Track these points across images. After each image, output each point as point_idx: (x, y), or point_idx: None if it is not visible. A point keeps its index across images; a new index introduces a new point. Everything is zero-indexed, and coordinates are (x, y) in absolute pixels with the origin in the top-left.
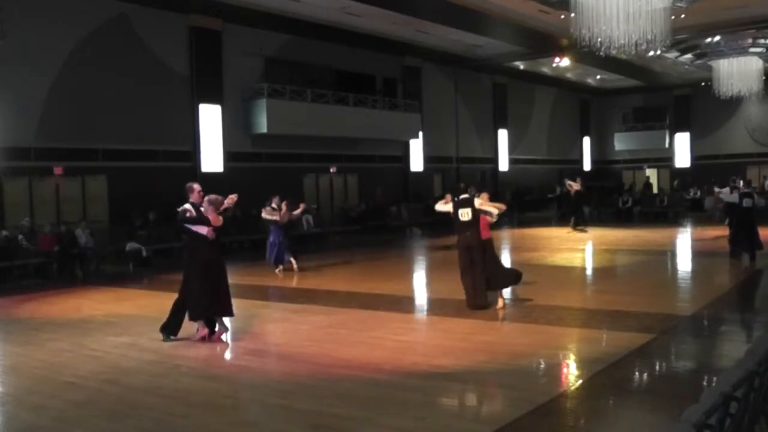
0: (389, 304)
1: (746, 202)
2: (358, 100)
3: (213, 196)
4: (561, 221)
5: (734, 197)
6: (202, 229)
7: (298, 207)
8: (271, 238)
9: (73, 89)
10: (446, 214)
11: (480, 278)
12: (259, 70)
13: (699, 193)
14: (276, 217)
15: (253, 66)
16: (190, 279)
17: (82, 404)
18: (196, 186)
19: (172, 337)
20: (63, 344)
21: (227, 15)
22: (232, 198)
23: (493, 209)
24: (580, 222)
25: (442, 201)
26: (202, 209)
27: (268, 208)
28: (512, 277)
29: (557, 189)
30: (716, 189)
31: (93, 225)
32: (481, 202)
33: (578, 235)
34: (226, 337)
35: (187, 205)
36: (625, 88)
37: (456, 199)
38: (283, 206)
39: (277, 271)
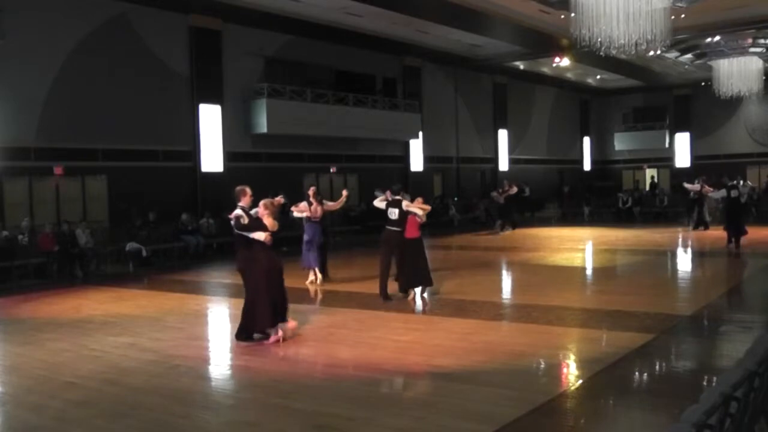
0: (389, 304)
1: (733, 193)
2: (358, 100)
3: (269, 200)
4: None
5: (722, 192)
6: (260, 236)
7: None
8: (306, 237)
9: (73, 89)
10: (382, 210)
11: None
12: (259, 70)
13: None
14: (305, 213)
15: (253, 66)
16: (253, 289)
17: (82, 404)
18: (248, 189)
19: (249, 339)
20: (63, 344)
21: (227, 15)
22: (279, 200)
23: (419, 210)
24: (508, 224)
25: (382, 197)
26: (253, 213)
27: (300, 205)
28: (425, 279)
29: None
30: (685, 185)
31: (93, 225)
32: (407, 203)
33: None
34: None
35: (239, 211)
36: (625, 88)
37: (389, 198)
38: (315, 199)
39: (311, 278)
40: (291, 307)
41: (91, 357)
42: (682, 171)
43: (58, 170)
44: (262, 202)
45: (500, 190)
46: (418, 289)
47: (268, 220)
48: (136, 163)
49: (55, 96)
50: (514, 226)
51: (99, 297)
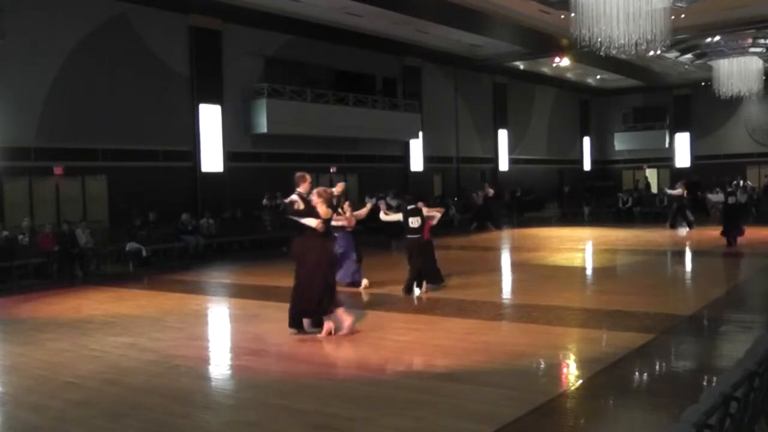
0: (389, 304)
1: (731, 200)
2: (358, 100)
3: (323, 188)
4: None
5: (721, 197)
6: (312, 222)
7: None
8: (340, 249)
9: (73, 89)
10: (395, 222)
11: (416, 271)
12: (259, 70)
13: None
14: (342, 222)
15: (253, 66)
16: (304, 277)
17: (82, 404)
18: (308, 176)
19: (300, 329)
20: (63, 344)
21: (227, 15)
22: (340, 186)
23: (438, 214)
24: (485, 225)
25: (392, 213)
26: (311, 199)
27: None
28: (438, 277)
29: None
30: (667, 191)
31: (93, 225)
32: (427, 210)
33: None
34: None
35: (295, 196)
36: (625, 88)
37: (407, 208)
38: (347, 207)
39: (364, 283)
40: None
41: (91, 357)
42: (682, 171)
43: (58, 170)
44: (315, 190)
45: (478, 193)
46: (418, 290)
47: (321, 208)
48: (136, 163)
49: (55, 96)
50: (497, 227)
51: (99, 297)
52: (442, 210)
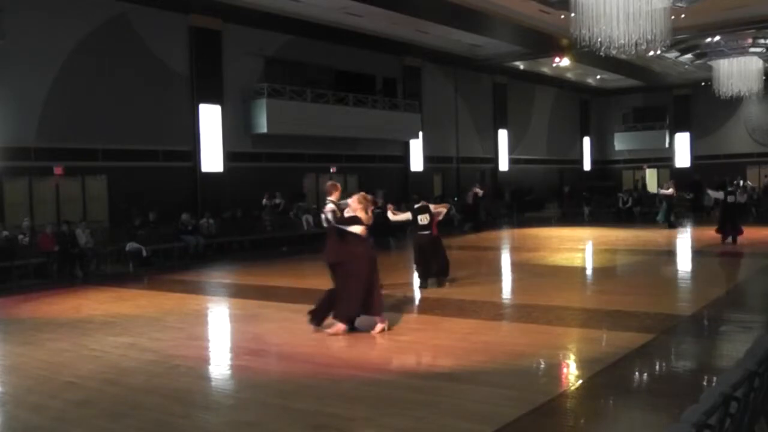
0: (389, 304)
1: (729, 198)
2: (358, 100)
3: (362, 195)
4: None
5: (720, 194)
6: (357, 229)
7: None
8: None
9: (73, 89)
10: (404, 221)
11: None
12: (259, 70)
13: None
14: (401, 218)
15: (253, 66)
16: (347, 279)
17: (82, 404)
18: (339, 185)
19: (319, 325)
20: (63, 344)
21: (227, 15)
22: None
23: (443, 210)
24: (479, 225)
25: (400, 214)
26: (347, 206)
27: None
28: (445, 270)
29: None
30: (660, 191)
31: (93, 225)
32: (434, 206)
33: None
34: (381, 329)
35: (331, 205)
36: (625, 88)
37: (415, 207)
38: (390, 207)
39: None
40: (290, 306)
41: (91, 357)
42: (682, 171)
43: (58, 170)
44: (355, 196)
45: (468, 193)
46: (418, 291)
47: (362, 214)
48: (136, 163)
49: (55, 96)
50: (476, 229)
51: (99, 297)
52: (448, 206)
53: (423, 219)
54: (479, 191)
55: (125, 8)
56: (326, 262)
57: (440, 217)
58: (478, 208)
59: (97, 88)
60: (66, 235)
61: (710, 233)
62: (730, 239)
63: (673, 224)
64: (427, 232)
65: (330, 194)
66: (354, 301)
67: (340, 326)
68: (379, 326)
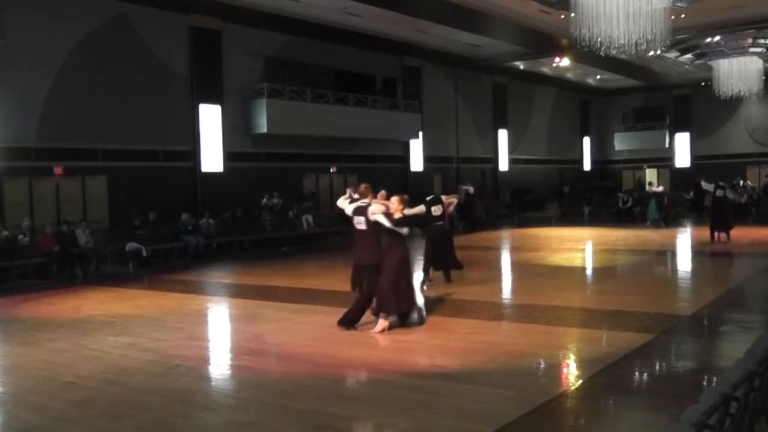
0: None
1: (719, 192)
2: (358, 100)
3: (401, 196)
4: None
5: (710, 186)
6: (405, 230)
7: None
8: None
9: (73, 89)
10: (419, 215)
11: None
12: (259, 70)
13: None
14: (414, 211)
15: (253, 66)
16: (385, 275)
17: (82, 404)
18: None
19: (351, 327)
20: (63, 344)
21: (227, 15)
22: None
23: (453, 200)
24: (473, 224)
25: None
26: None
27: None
28: (456, 263)
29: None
30: (653, 189)
31: (93, 225)
32: (446, 197)
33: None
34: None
35: (381, 207)
36: (625, 88)
37: (427, 199)
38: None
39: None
40: (290, 306)
41: (91, 357)
42: (682, 171)
43: (58, 170)
44: (396, 198)
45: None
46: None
47: (399, 215)
48: (136, 163)
49: (55, 96)
50: (472, 227)
51: (99, 297)
52: (458, 196)
53: (436, 210)
54: (470, 188)
55: (125, 8)
56: (365, 263)
57: (451, 208)
58: (471, 207)
59: (97, 88)
60: (66, 235)
61: (709, 234)
62: (717, 237)
63: (659, 222)
64: (440, 223)
65: (366, 196)
66: (388, 296)
67: (386, 322)
68: (382, 324)
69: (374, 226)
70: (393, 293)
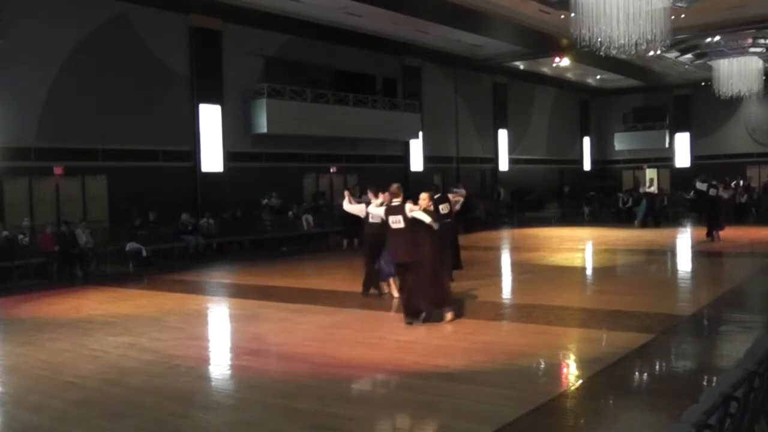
0: (389, 304)
1: (711, 192)
2: (358, 100)
3: (430, 193)
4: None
5: (703, 186)
6: (435, 225)
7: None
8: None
9: (73, 89)
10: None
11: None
12: (259, 70)
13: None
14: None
15: (253, 66)
16: (431, 271)
17: (82, 404)
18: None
19: (416, 319)
20: (63, 344)
21: (227, 15)
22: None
23: (460, 198)
24: (469, 226)
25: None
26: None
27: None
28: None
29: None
30: (646, 189)
31: (93, 225)
32: (452, 195)
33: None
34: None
35: (411, 205)
36: (625, 88)
37: (434, 197)
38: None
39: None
40: (290, 306)
41: (91, 357)
42: (682, 171)
43: (58, 170)
44: (425, 194)
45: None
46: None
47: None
48: (136, 163)
49: (55, 96)
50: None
51: (99, 297)
52: (465, 193)
53: (444, 208)
54: (462, 192)
55: (125, 8)
56: (407, 260)
57: (457, 206)
58: (469, 208)
59: (97, 88)
60: (66, 235)
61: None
62: (717, 236)
63: (646, 224)
64: (447, 221)
65: (398, 196)
66: (445, 288)
67: (452, 313)
68: (449, 316)
69: (411, 223)
70: (442, 287)
